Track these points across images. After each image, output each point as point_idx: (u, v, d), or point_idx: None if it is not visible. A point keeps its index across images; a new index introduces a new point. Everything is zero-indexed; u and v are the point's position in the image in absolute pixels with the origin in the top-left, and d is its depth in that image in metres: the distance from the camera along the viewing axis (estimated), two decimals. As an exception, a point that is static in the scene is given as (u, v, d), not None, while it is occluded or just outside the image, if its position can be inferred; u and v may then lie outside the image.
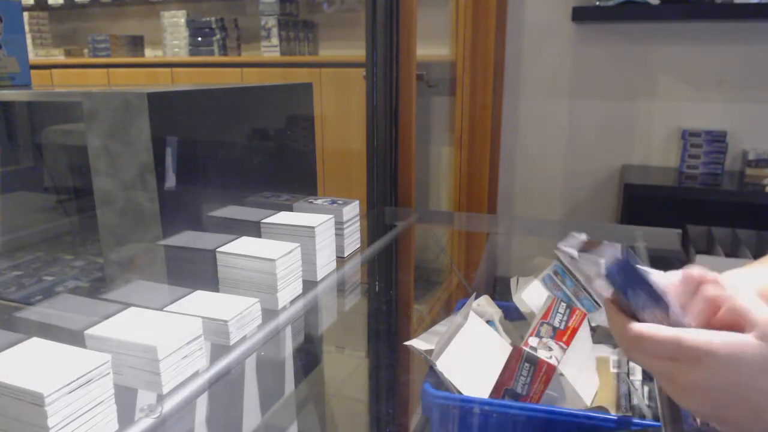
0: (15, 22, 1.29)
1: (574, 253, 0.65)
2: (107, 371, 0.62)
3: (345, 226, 1.20)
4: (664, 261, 1.31)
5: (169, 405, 0.69)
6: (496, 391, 0.79)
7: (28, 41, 3.41)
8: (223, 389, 0.79)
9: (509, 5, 2.43)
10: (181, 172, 0.94)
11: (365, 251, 1.32)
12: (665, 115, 2.34)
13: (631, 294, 0.54)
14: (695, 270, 0.54)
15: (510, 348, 0.84)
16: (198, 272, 0.97)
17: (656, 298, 0.53)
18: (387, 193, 1.77)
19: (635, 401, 0.82)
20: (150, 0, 3.36)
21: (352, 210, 1.22)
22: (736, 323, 0.47)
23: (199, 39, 3.14)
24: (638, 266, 0.55)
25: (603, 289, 0.58)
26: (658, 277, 0.63)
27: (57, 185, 1.41)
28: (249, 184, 1.17)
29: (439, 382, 0.80)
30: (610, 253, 0.61)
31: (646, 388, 0.86)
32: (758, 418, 0.44)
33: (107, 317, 0.75)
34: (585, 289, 1.07)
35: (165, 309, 0.82)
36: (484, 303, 1.00)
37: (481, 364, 0.83)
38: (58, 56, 3.56)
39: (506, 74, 2.50)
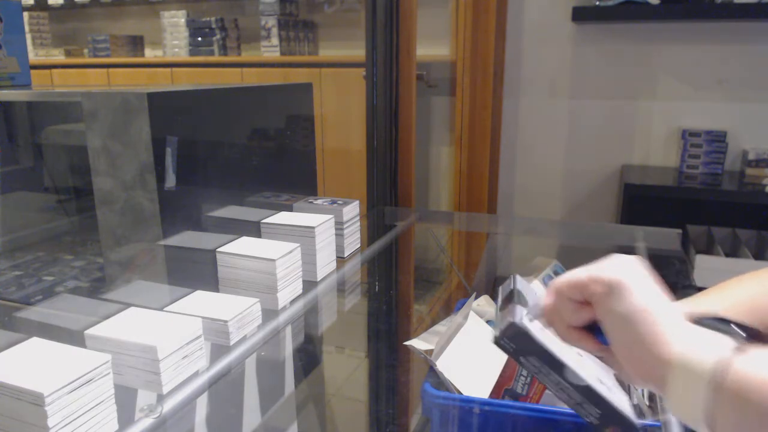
0: (15, 22, 1.29)
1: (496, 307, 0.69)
2: (107, 371, 0.62)
3: (345, 226, 1.20)
4: (664, 261, 1.31)
5: (169, 405, 0.69)
6: (496, 391, 0.79)
7: (28, 41, 3.41)
8: (223, 389, 0.79)
9: (509, 5, 2.43)
10: (181, 172, 0.94)
11: (365, 251, 1.32)
12: (665, 115, 2.34)
13: (524, 362, 0.58)
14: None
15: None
16: (198, 272, 0.97)
17: (550, 359, 0.57)
18: (387, 193, 1.77)
19: (635, 401, 0.82)
20: (150, 0, 3.36)
21: (352, 210, 1.22)
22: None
23: (199, 39, 3.14)
24: (530, 328, 0.58)
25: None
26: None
27: (57, 185, 1.41)
28: (249, 184, 1.17)
29: (439, 382, 0.80)
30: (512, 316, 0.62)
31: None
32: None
33: (107, 317, 0.75)
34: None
35: (165, 309, 0.82)
36: (484, 303, 1.00)
37: (481, 364, 0.83)
38: (58, 56, 3.56)
39: (506, 74, 2.50)
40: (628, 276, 0.51)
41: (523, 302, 0.63)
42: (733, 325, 0.45)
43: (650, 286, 0.51)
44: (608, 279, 0.51)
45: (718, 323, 0.46)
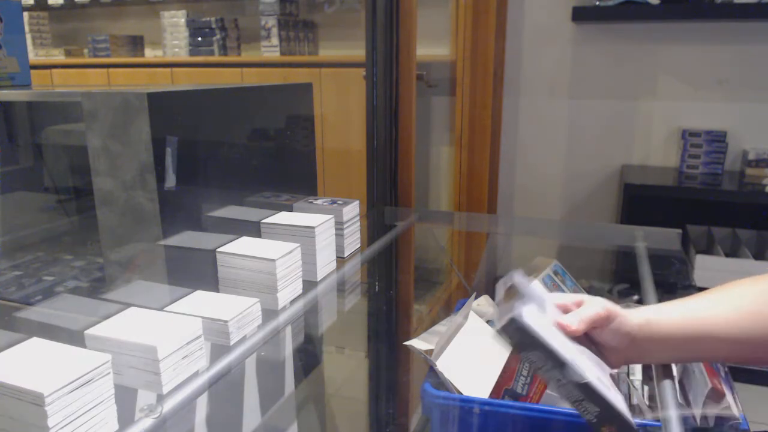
0: (15, 22, 1.29)
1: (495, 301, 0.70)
2: (107, 371, 0.61)
3: (345, 226, 1.20)
4: (664, 261, 1.31)
5: (169, 405, 0.69)
6: (496, 391, 0.79)
7: (28, 41, 3.41)
8: (223, 389, 0.79)
9: (509, 5, 2.43)
10: (181, 172, 0.94)
11: (365, 251, 1.32)
12: (665, 115, 2.34)
13: (524, 356, 0.60)
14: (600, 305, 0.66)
15: (510, 348, 0.84)
16: (198, 272, 0.97)
17: (551, 356, 0.58)
18: (387, 193, 1.77)
19: (635, 401, 0.82)
20: (150, 0, 3.36)
21: (352, 210, 1.22)
22: None
23: (199, 39, 3.14)
24: (531, 325, 0.59)
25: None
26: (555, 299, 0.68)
27: (57, 185, 1.41)
28: (249, 184, 1.17)
29: (439, 382, 0.80)
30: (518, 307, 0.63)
31: (645, 388, 0.86)
32: None
33: (107, 317, 0.75)
34: (585, 288, 1.07)
35: (165, 309, 0.82)
36: (484, 303, 1.00)
37: (481, 364, 0.83)
38: (58, 56, 3.56)
39: (506, 74, 2.50)
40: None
41: (524, 298, 0.63)
42: None
43: None
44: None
45: None
